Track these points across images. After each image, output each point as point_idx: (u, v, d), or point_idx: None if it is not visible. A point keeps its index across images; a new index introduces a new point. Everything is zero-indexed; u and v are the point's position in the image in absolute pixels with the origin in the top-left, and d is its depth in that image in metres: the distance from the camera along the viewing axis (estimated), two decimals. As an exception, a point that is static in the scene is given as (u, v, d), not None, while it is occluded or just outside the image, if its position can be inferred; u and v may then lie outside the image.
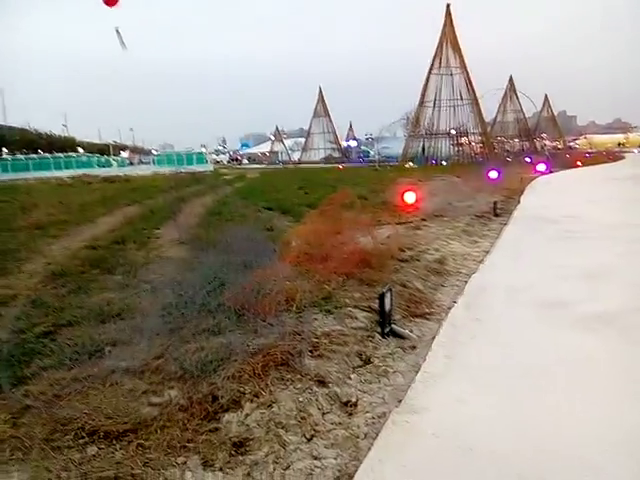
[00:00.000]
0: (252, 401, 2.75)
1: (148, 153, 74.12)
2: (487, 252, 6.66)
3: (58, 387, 2.87)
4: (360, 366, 3.28)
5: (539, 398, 2.83)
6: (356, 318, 3.99)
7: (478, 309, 4.37)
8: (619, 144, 65.63)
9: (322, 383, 2.99)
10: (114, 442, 2.40)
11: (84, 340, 3.50)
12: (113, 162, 55.43)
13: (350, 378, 3.10)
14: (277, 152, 78.40)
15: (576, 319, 3.98)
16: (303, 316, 3.94)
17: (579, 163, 28.99)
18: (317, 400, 2.82)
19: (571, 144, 69.43)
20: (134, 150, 78.06)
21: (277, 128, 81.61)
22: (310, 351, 3.35)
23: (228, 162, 78.32)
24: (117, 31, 4.96)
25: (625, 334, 3.66)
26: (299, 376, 3.03)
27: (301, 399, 2.79)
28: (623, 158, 35.30)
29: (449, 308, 4.45)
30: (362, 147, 69.05)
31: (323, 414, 2.71)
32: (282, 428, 2.55)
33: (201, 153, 55.72)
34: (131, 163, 57.26)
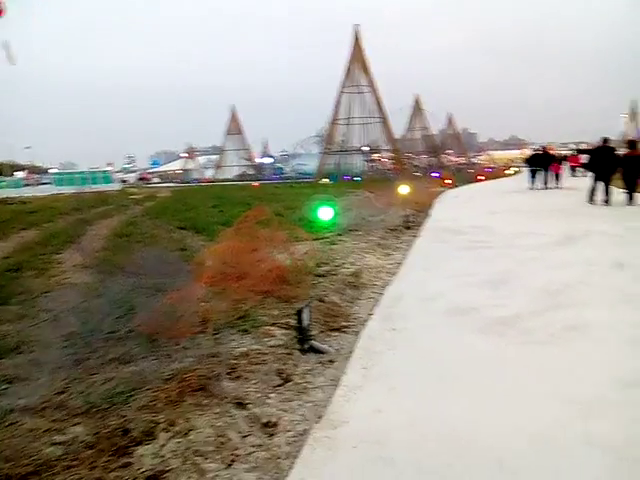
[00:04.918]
0: (167, 430, 2.60)
1: (47, 172, 69.23)
2: (400, 264, 6.89)
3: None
4: (280, 385, 3.23)
5: (453, 400, 2.94)
6: (274, 336, 3.94)
7: (393, 319, 4.48)
8: (511, 160, 71.41)
9: (241, 405, 2.91)
10: (13, 488, 2.17)
11: (-26, 379, 3.17)
12: (5, 183, 51.00)
13: (270, 398, 3.04)
14: (189, 170, 76.80)
15: (483, 323, 4.21)
16: (220, 337, 3.84)
17: (482, 178, 31.11)
18: (236, 423, 2.73)
19: (474, 160, 74.30)
20: (32, 170, 72.84)
21: (189, 145, 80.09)
22: (228, 373, 3.25)
23: (137, 181, 75.39)
24: (5, 44, 4.55)
25: (526, 334, 3.93)
26: (217, 400, 2.93)
27: (220, 424, 2.69)
28: (521, 172, 38.20)
29: (365, 320, 4.53)
30: (277, 164, 69.32)
31: (243, 437, 2.63)
32: (200, 456, 2.43)
33: (106, 172, 53.06)
34: (27, 184, 53.07)
